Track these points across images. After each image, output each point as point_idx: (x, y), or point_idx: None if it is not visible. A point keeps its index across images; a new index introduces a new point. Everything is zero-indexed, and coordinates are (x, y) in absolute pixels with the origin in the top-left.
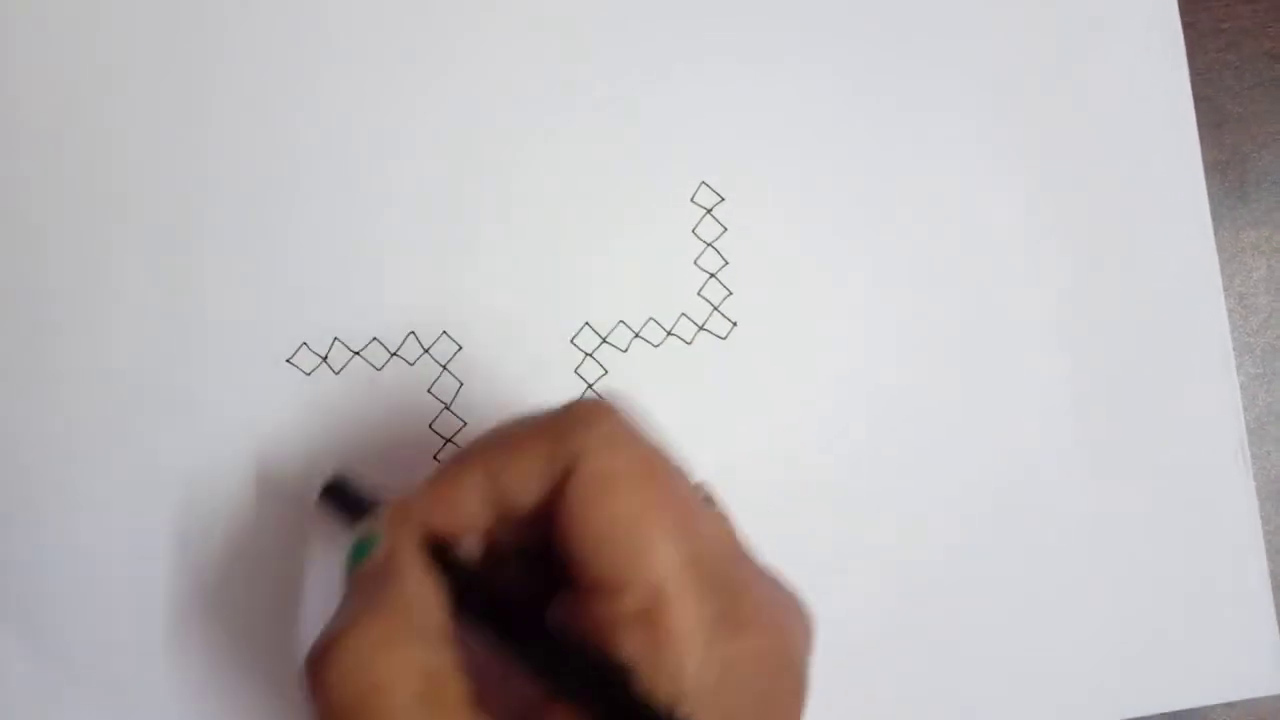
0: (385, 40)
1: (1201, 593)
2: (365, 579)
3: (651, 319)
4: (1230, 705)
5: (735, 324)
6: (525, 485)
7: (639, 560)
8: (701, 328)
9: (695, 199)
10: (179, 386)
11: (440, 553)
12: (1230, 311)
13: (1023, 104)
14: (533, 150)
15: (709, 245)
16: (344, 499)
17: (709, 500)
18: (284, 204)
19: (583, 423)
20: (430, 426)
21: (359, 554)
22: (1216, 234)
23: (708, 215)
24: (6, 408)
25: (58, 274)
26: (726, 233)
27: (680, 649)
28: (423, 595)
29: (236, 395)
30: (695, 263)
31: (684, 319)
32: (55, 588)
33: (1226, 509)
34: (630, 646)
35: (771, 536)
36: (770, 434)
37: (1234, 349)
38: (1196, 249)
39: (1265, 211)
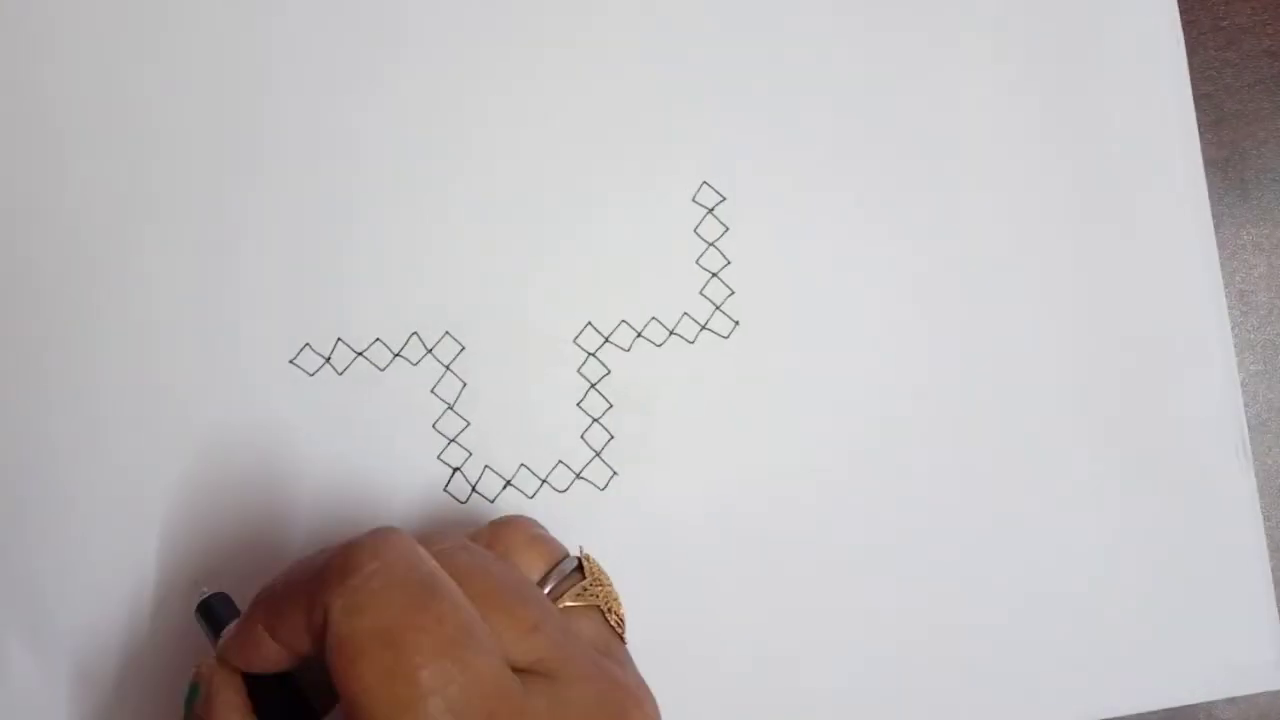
0: (389, 43)
1: (1203, 589)
2: None
3: (654, 318)
4: (1232, 701)
5: (738, 323)
6: (296, 640)
7: None
8: (704, 327)
9: (697, 198)
10: (182, 388)
11: (264, 683)
12: (1231, 308)
13: (1022, 104)
14: (534, 151)
15: (711, 245)
16: (213, 619)
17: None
18: (287, 206)
19: (332, 579)
20: (434, 426)
21: (191, 696)
22: (1217, 231)
23: (709, 215)
24: (8, 410)
25: (56, 278)
26: (729, 232)
27: None
28: None
29: (240, 397)
30: (697, 262)
31: (686, 318)
32: (58, 590)
33: (1228, 506)
34: None
35: (773, 536)
36: (774, 433)
37: (1235, 346)
38: (1197, 246)
39: (1265, 208)
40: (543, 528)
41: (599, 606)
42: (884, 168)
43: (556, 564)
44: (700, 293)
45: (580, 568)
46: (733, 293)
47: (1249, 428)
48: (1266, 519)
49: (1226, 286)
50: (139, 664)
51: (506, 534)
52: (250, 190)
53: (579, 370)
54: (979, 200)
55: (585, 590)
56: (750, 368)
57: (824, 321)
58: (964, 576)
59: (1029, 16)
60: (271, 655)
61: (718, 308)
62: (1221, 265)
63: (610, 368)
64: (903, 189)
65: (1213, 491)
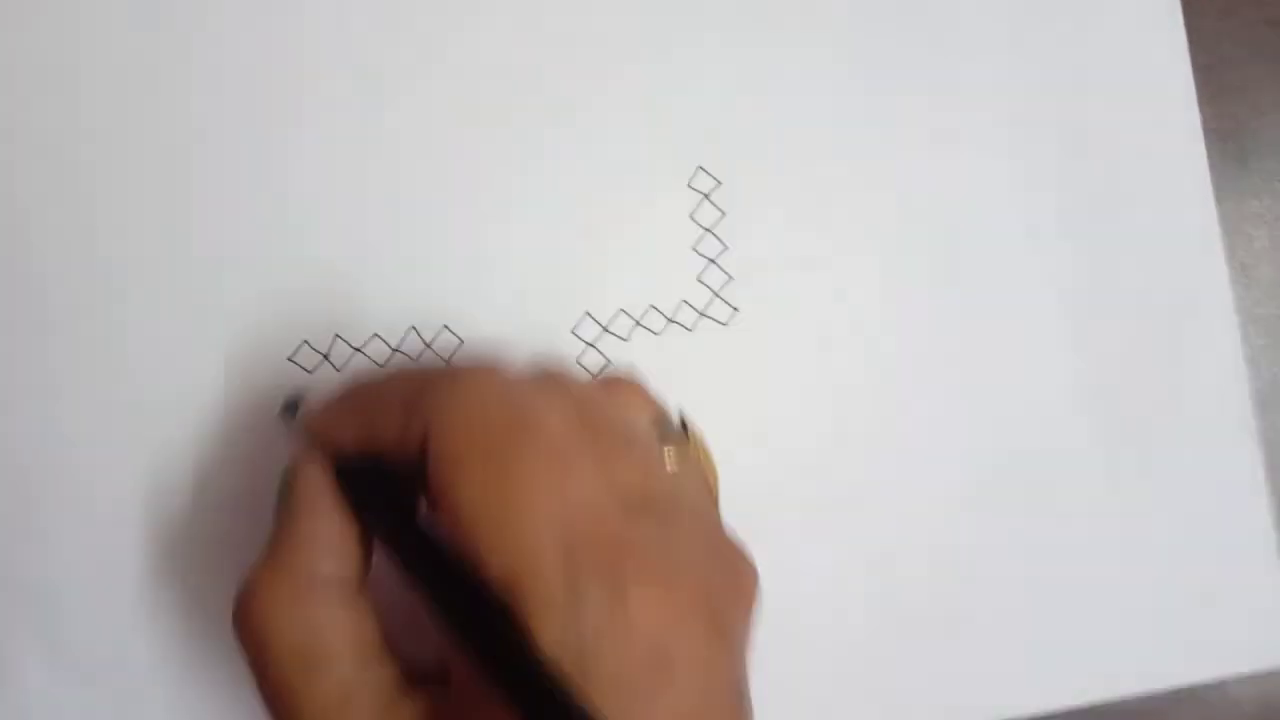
0: (382, 33)
1: (1212, 565)
2: (283, 516)
3: (652, 307)
4: (1244, 678)
5: (736, 310)
6: (385, 436)
7: (491, 541)
8: (703, 314)
9: (692, 184)
10: (183, 389)
11: (350, 475)
12: (1233, 282)
13: (1019, 81)
14: (528, 140)
15: (707, 230)
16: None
17: (632, 440)
18: (282, 201)
19: (436, 393)
20: None
21: (282, 489)
22: (1218, 204)
23: (705, 200)
24: (12, 411)
25: (57, 276)
26: (725, 217)
27: (541, 620)
28: (331, 536)
29: (239, 396)
30: (694, 248)
31: (685, 306)
32: (69, 591)
33: (1235, 480)
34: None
35: (774, 523)
36: (774, 419)
37: (1238, 320)
38: (1198, 220)
39: (1267, 180)
40: (649, 388)
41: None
42: (882, 149)
43: (663, 422)
44: (698, 279)
45: (684, 427)
46: (731, 278)
47: (1254, 402)
48: (1273, 493)
49: (1229, 260)
50: (153, 668)
51: (618, 387)
52: (248, 188)
53: (578, 360)
54: (977, 178)
55: (686, 452)
56: (750, 353)
57: (824, 305)
58: (970, 558)
59: None
60: (352, 440)
61: (716, 294)
62: (1223, 239)
63: (609, 357)
64: (899, 167)
65: (1219, 467)
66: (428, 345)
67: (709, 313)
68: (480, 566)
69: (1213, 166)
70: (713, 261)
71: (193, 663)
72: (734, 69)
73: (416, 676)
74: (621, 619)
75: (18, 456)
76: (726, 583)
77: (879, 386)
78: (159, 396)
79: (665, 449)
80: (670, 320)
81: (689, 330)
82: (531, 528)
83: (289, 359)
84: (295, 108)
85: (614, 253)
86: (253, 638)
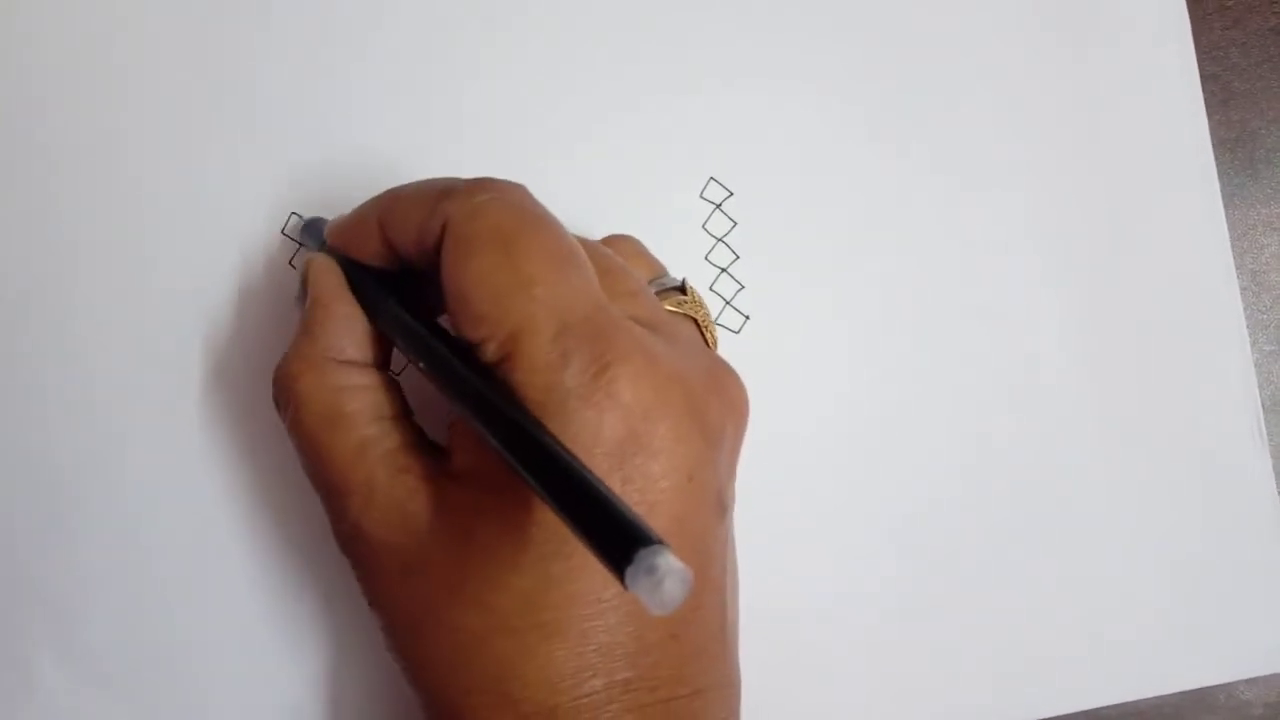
0: (398, 43)
1: (1220, 570)
2: (306, 308)
3: None
4: (1252, 681)
5: (748, 318)
6: (405, 239)
7: (493, 314)
8: (715, 322)
9: (704, 194)
10: (193, 397)
11: (363, 273)
12: (1243, 289)
13: (1030, 88)
14: (541, 149)
15: (719, 240)
16: (316, 235)
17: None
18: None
19: (457, 193)
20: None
21: (301, 283)
22: (1227, 212)
23: (717, 210)
24: (38, 413)
25: (89, 284)
26: (736, 227)
27: (528, 376)
28: (346, 322)
29: (253, 398)
30: (706, 258)
31: None
32: (85, 594)
33: (1244, 486)
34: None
35: (786, 525)
36: (786, 424)
37: (1248, 327)
38: (1208, 228)
39: (1276, 188)
40: (648, 250)
41: (696, 319)
42: (891, 156)
43: (660, 276)
44: (710, 288)
45: (682, 286)
46: (742, 287)
47: (1264, 409)
48: None
49: (1239, 268)
50: (169, 673)
51: (617, 243)
52: (253, 191)
53: None
54: (988, 188)
55: (684, 303)
56: (762, 360)
57: (834, 313)
58: (979, 565)
59: (1035, 1)
60: (374, 248)
61: (728, 303)
62: (1233, 246)
63: None
64: (910, 176)
65: (1229, 473)
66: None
67: (721, 321)
68: (481, 338)
69: (1221, 174)
70: (724, 271)
71: (208, 665)
72: (745, 80)
73: (428, 445)
74: (602, 390)
75: (43, 461)
76: (713, 390)
77: (888, 393)
78: (168, 401)
79: (663, 301)
80: None
81: None
82: (530, 300)
83: None
84: (308, 119)
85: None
86: (288, 401)
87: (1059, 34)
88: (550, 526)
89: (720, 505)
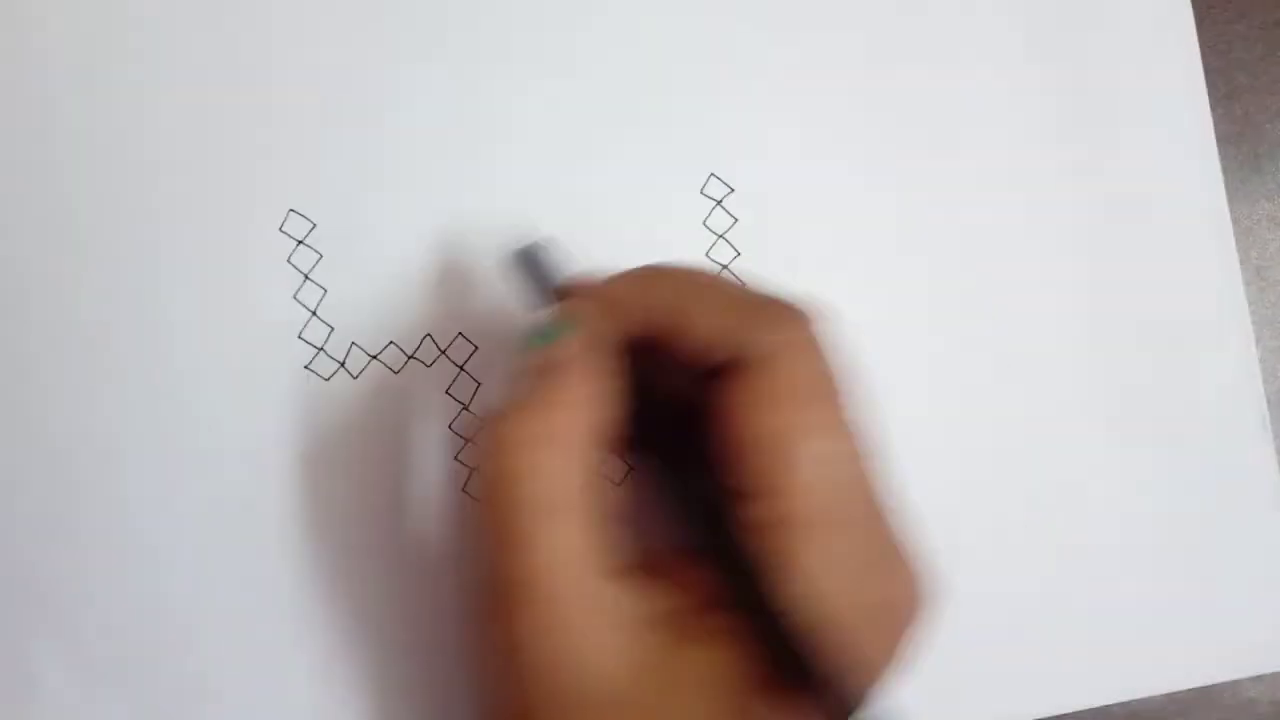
0: (394, 41)
1: (1227, 567)
2: (551, 365)
3: None
4: (1258, 679)
5: None
6: (697, 339)
7: (783, 477)
8: None
9: (705, 191)
10: (200, 400)
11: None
12: (1247, 284)
13: (1031, 87)
14: (540, 147)
15: (720, 237)
16: (536, 267)
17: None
18: (293, 207)
19: (780, 321)
20: (450, 427)
21: (547, 337)
22: (1231, 207)
23: (718, 207)
24: (48, 415)
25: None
26: (737, 224)
27: (813, 575)
28: (602, 398)
29: (258, 404)
30: (707, 255)
31: None
32: (87, 594)
33: (1250, 483)
34: (764, 546)
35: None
36: None
37: (1252, 322)
38: (1211, 223)
39: None
40: None
41: None
42: (892, 154)
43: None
44: None
45: None
46: (743, 285)
47: (1269, 403)
48: None
49: (1242, 263)
50: (172, 676)
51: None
52: (259, 194)
53: None
54: (990, 185)
55: None
56: None
57: (836, 309)
58: (983, 560)
59: None
60: (641, 322)
61: None
62: (1237, 241)
63: None
64: (911, 175)
65: (1234, 468)
66: (442, 352)
67: None
68: (753, 496)
69: (1225, 169)
70: (725, 268)
71: (208, 665)
72: (746, 74)
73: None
74: (877, 600)
75: (44, 461)
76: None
77: (891, 389)
78: (176, 408)
79: None
80: None
81: None
82: (813, 482)
83: (306, 367)
84: (312, 121)
85: (626, 260)
86: (498, 471)
87: (1061, 29)
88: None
89: None
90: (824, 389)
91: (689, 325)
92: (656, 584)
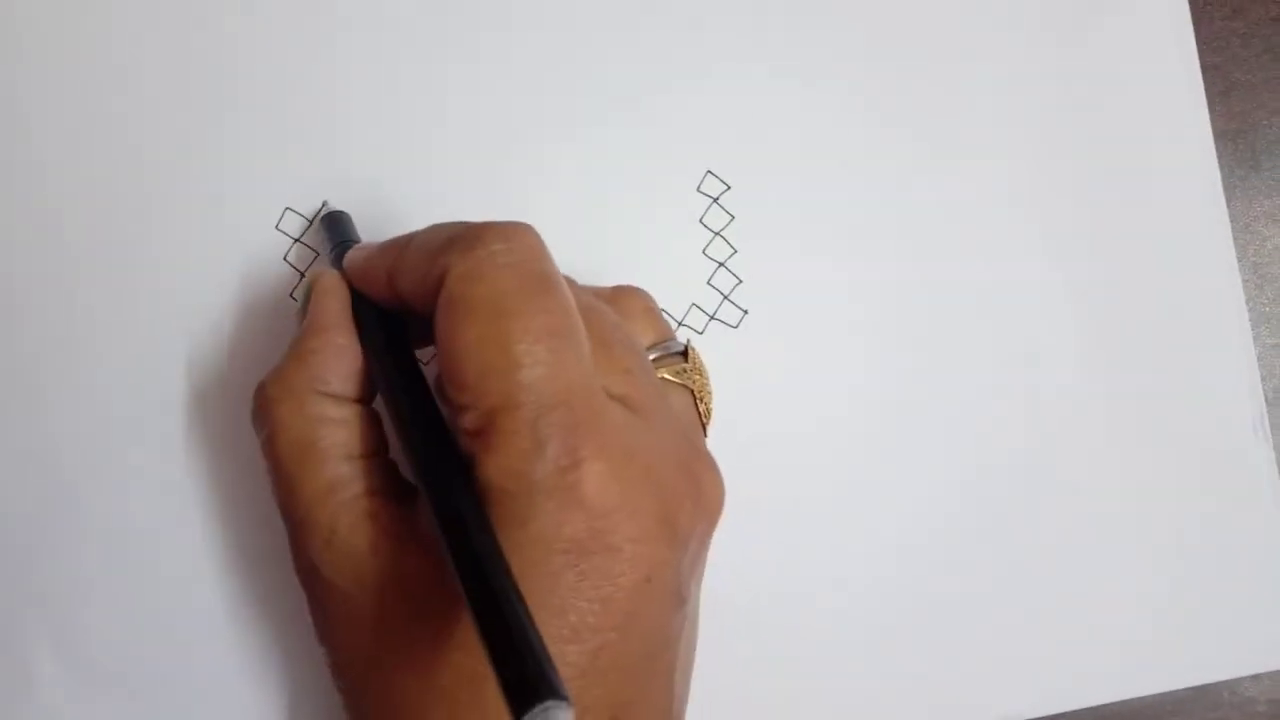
0: (401, 42)
1: (1223, 565)
2: (303, 328)
3: (662, 310)
4: (1256, 678)
5: (746, 312)
6: (409, 288)
7: (477, 386)
8: (713, 317)
9: (701, 188)
10: (195, 397)
11: (365, 312)
12: (1245, 282)
13: (1030, 81)
14: (539, 145)
15: (717, 234)
16: (335, 230)
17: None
18: (291, 207)
19: (458, 247)
20: None
21: (300, 300)
22: (1229, 204)
23: (714, 204)
24: (43, 411)
25: (89, 284)
26: (734, 221)
27: (497, 455)
28: (339, 356)
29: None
30: (704, 252)
31: (695, 309)
32: (87, 594)
33: (1247, 480)
34: (470, 452)
35: (784, 522)
36: (784, 420)
37: (1250, 319)
38: (1209, 220)
39: (1277, 180)
40: (657, 305)
41: (692, 390)
42: (890, 150)
43: (664, 340)
44: (708, 283)
45: (685, 351)
46: (740, 281)
47: (1267, 401)
48: None
49: (1240, 260)
50: (167, 673)
51: (625, 298)
52: (262, 196)
53: None
54: (988, 180)
55: (684, 371)
56: (760, 356)
57: (833, 307)
58: (981, 560)
59: None
60: (383, 294)
61: (726, 297)
62: (1235, 239)
63: None
64: (910, 170)
65: (1231, 466)
66: None
67: (719, 315)
68: (463, 405)
69: (1223, 166)
70: (722, 265)
71: (208, 665)
72: (741, 73)
73: (401, 490)
74: (569, 486)
75: (43, 462)
76: (688, 490)
77: (887, 387)
78: (180, 407)
79: (661, 369)
80: (680, 323)
81: (699, 333)
82: (514, 382)
83: None
84: (311, 119)
85: (623, 257)
86: (264, 423)
87: (1059, 26)
88: None
89: (678, 599)
90: (500, 303)
91: (406, 280)
92: (408, 503)
